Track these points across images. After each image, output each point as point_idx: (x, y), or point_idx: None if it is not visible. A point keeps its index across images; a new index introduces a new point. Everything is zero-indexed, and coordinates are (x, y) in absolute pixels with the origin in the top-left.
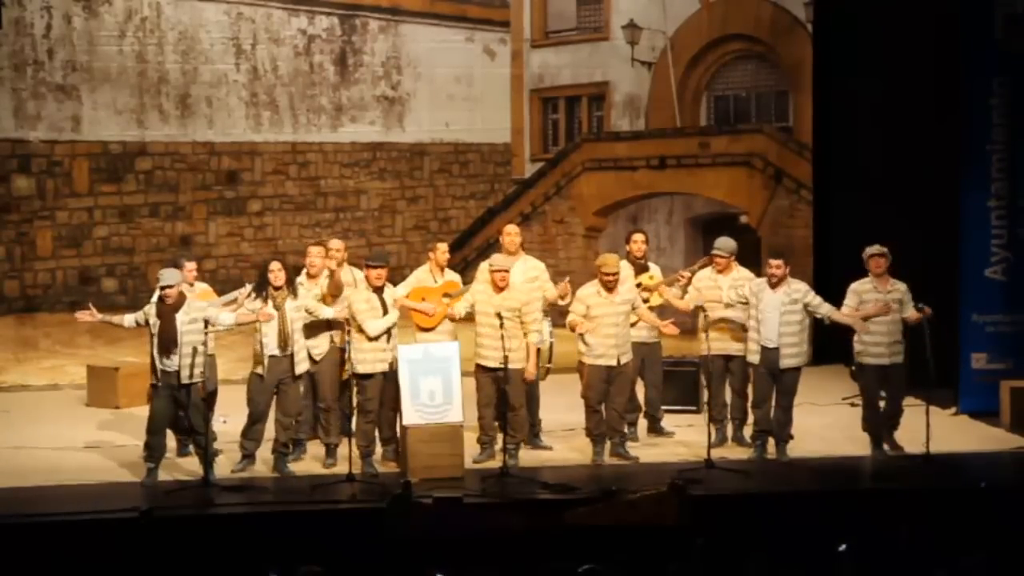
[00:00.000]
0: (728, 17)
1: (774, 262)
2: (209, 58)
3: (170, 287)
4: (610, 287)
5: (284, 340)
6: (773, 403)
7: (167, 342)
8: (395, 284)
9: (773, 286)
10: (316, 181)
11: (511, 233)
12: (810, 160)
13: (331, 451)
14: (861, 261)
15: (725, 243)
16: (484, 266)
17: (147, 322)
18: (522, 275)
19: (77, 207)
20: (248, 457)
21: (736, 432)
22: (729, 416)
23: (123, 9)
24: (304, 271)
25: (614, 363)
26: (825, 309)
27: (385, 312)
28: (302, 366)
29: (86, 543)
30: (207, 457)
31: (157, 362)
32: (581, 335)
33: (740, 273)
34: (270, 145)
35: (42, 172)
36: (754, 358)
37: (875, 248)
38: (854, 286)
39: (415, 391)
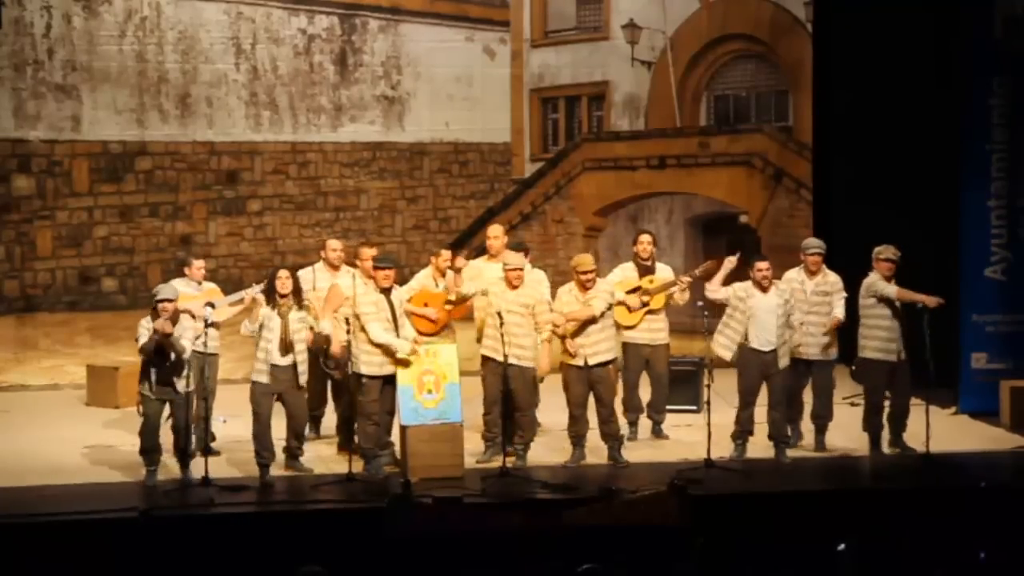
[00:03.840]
0: (728, 17)
1: (762, 264)
2: (209, 58)
3: (169, 300)
4: (586, 286)
5: (286, 348)
6: (770, 405)
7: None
8: (400, 284)
9: (764, 289)
10: (316, 181)
11: (492, 236)
12: (810, 160)
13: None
14: (861, 261)
15: (818, 241)
16: (474, 264)
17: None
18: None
19: (77, 207)
20: (266, 467)
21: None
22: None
23: (123, 9)
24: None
25: (582, 363)
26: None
27: (393, 315)
28: (305, 376)
29: (86, 543)
30: (204, 455)
31: (152, 374)
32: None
33: (828, 277)
34: (270, 145)
35: (42, 172)
36: (726, 354)
37: (890, 254)
38: (866, 282)
39: (413, 391)
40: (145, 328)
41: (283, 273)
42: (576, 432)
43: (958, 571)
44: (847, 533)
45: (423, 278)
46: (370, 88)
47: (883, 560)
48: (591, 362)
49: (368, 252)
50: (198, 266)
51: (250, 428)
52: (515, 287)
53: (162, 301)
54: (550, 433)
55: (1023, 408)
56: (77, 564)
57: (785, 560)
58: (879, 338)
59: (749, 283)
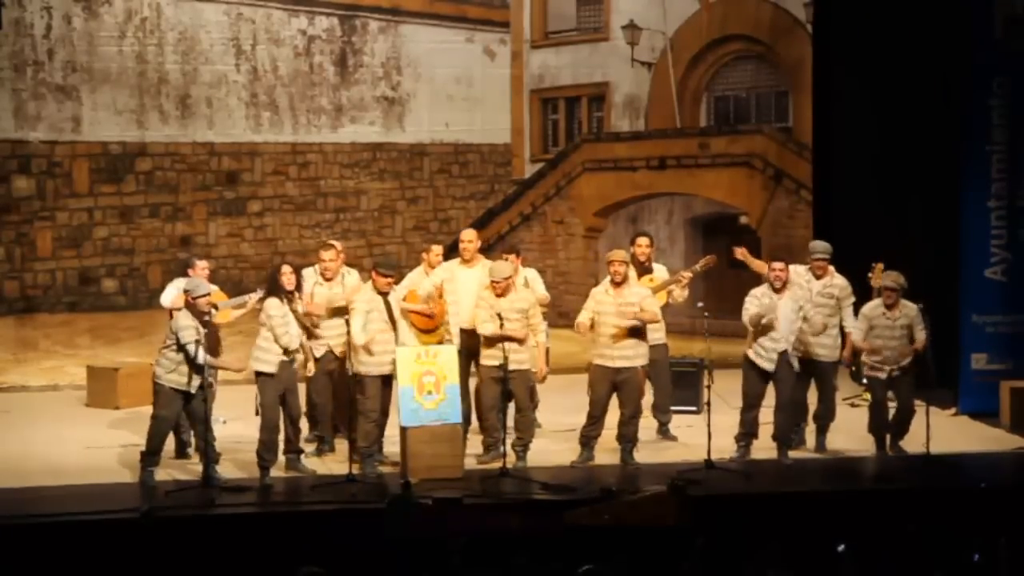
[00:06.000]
0: (728, 17)
1: (776, 264)
2: (209, 58)
3: (208, 295)
4: (617, 281)
5: (309, 334)
6: (777, 406)
7: (214, 347)
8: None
9: (778, 290)
10: (316, 181)
11: (465, 241)
12: (810, 160)
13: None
14: (861, 262)
15: (823, 245)
16: (447, 266)
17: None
18: (480, 284)
19: (77, 207)
20: (267, 469)
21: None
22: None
23: (123, 9)
24: (318, 273)
25: (611, 364)
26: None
27: (390, 316)
28: (300, 371)
29: (86, 543)
30: (208, 457)
31: (198, 369)
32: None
33: (835, 280)
34: (270, 145)
35: (42, 172)
36: (762, 362)
37: (889, 282)
38: (865, 310)
39: (413, 392)
40: (192, 327)
41: (287, 268)
42: (588, 434)
43: (958, 572)
44: (848, 534)
45: (416, 276)
46: (370, 89)
47: (883, 561)
48: (621, 365)
49: (327, 255)
50: (202, 267)
51: (249, 429)
52: (501, 295)
53: (202, 296)
54: (551, 433)
55: (1023, 408)
56: (77, 564)
57: (785, 560)
58: (873, 359)
59: (765, 287)
